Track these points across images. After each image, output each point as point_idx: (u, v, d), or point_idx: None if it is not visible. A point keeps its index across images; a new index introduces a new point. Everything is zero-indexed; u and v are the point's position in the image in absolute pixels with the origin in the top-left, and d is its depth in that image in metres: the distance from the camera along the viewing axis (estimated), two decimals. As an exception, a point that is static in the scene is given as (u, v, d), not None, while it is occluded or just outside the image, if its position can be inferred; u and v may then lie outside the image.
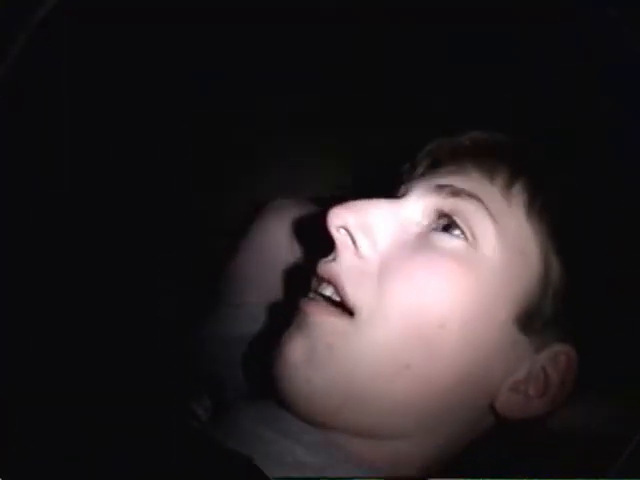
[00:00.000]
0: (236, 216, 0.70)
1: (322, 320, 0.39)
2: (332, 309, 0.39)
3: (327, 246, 0.41)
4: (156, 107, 0.86)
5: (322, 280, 0.40)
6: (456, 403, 0.39)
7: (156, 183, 0.82)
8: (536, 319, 0.39)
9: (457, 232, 0.39)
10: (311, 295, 0.41)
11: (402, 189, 0.42)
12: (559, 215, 0.39)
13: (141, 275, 0.71)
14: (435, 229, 0.40)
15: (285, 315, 0.42)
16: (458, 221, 0.39)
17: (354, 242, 0.39)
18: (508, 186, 0.39)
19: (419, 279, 0.38)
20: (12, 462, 0.39)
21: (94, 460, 0.37)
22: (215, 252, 0.68)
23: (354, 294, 0.38)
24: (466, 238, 0.38)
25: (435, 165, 0.42)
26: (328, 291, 0.40)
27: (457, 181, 0.40)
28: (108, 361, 0.50)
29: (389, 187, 0.44)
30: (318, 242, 0.42)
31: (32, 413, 0.41)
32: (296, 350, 0.39)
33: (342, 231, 0.40)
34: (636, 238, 0.41)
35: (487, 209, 0.38)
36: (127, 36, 0.89)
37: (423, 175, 0.42)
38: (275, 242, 0.55)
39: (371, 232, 0.39)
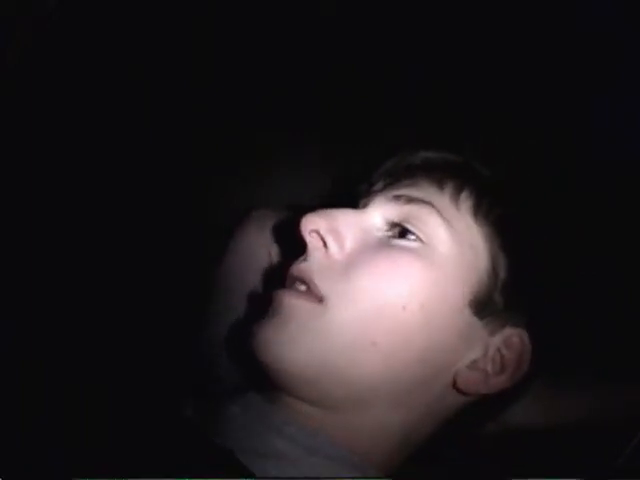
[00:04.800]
0: (229, 220, 0.73)
1: (294, 303, 0.44)
2: (304, 295, 0.44)
3: (300, 249, 0.46)
4: (156, 108, 0.87)
5: (295, 279, 0.45)
6: (420, 377, 0.44)
7: (154, 185, 0.83)
8: (487, 305, 0.44)
9: (412, 237, 0.44)
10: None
11: (362, 203, 0.47)
12: (501, 216, 0.45)
13: (135, 275, 0.74)
14: (393, 236, 0.45)
15: (262, 307, 0.46)
16: (411, 228, 0.44)
17: (325, 244, 0.44)
18: (456, 194, 0.45)
19: (382, 268, 0.43)
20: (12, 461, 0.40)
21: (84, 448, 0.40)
22: (206, 254, 0.71)
23: (323, 285, 0.43)
24: (420, 240, 0.44)
25: (392, 181, 0.47)
26: (301, 288, 0.45)
27: (412, 191, 0.46)
28: (99, 355, 0.53)
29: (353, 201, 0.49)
30: (292, 247, 0.47)
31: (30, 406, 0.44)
32: (269, 329, 0.43)
33: (314, 235, 0.45)
34: (570, 234, 0.49)
35: (438, 212, 0.44)
36: (126, 36, 0.89)
37: (381, 190, 0.47)
38: (255, 248, 0.60)
39: (339, 235, 0.45)
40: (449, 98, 0.94)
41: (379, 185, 0.48)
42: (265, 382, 0.46)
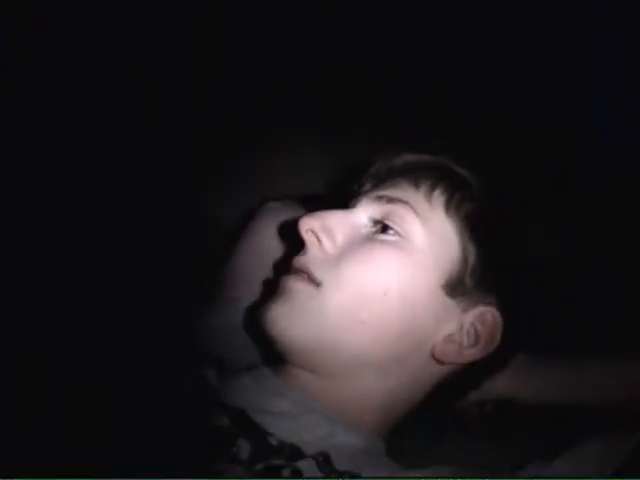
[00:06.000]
0: (234, 215, 0.80)
1: (296, 287, 0.52)
2: (304, 280, 0.52)
3: (300, 244, 0.54)
4: (157, 109, 0.86)
5: (297, 269, 0.53)
6: (402, 350, 0.52)
7: (159, 184, 0.83)
8: (459, 287, 0.52)
9: (392, 232, 0.52)
10: None
11: (352, 203, 0.56)
12: (470, 210, 0.53)
13: (150, 270, 0.77)
14: (377, 232, 0.53)
15: (272, 291, 0.55)
16: (391, 224, 0.52)
17: (319, 240, 0.53)
18: (430, 192, 0.53)
19: (366, 260, 0.52)
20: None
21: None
22: (214, 249, 0.77)
23: (319, 273, 0.52)
24: (399, 234, 0.52)
25: (376, 183, 0.56)
26: (302, 276, 0.53)
27: (391, 192, 0.54)
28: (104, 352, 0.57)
29: (347, 197, 0.57)
30: (295, 241, 0.55)
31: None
32: (277, 310, 0.52)
33: (310, 233, 0.53)
34: (530, 225, 0.57)
35: (413, 209, 0.52)
36: (124, 35, 0.88)
37: (368, 191, 0.55)
38: (265, 242, 0.69)
39: (331, 232, 0.53)
40: (448, 98, 0.95)
41: (367, 186, 0.56)
42: (273, 355, 0.54)
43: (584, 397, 0.61)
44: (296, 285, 0.52)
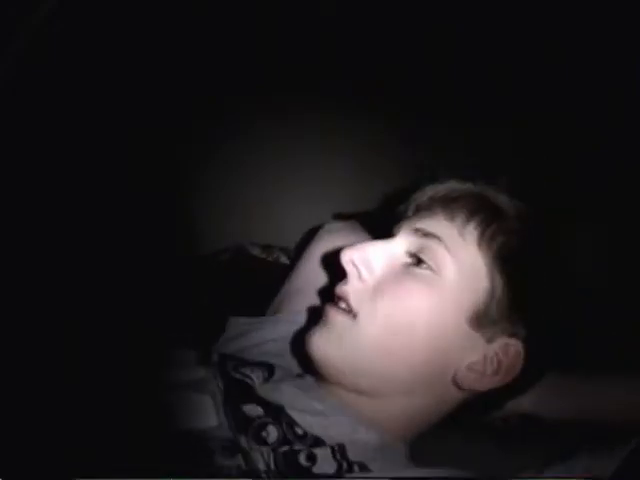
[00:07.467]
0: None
1: (336, 319, 0.58)
2: (343, 312, 0.58)
3: (344, 272, 0.60)
4: (157, 111, 0.86)
5: (338, 297, 0.59)
6: (426, 376, 0.56)
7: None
8: (485, 318, 0.55)
9: (425, 266, 0.56)
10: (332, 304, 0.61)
11: (395, 228, 0.60)
12: (501, 244, 0.55)
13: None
14: (412, 264, 0.57)
15: (315, 317, 0.61)
16: (425, 258, 0.56)
17: (358, 271, 0.58)
18: (464, 226, 0.56)
19: (398, 295, 0.56)
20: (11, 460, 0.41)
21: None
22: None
23: (356, 304, 0.57)
24: (431, 269, 0.56)
25: (418, 208, 0.60)
26: (342, 304, 0.59)
27: (427, 224, 0.57)
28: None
29: (393, 221, 0.62)
30: (340, 269, 0.60)
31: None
32: (319, 337, 0.58)
33: (350, 264, 0.58)
34: (560, 262, 0.58)
35: (446, 245, 0.55)
36: (122, 34, 0.88)
37: (409, 217, 0.60)
38: (318, 265, 0.78)
39: (370, 264, 0.58)
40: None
41: (409, 212, 0.60)
42: (314, 370, 0.61)
43: (608, 415, 0.64)
44: (336, 316, 0.58)
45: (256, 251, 1.05)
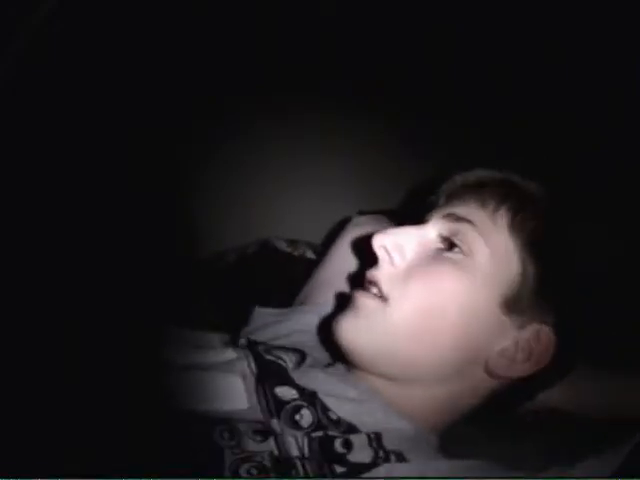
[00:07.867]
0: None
1: (366, 302, 0.57)
2: (374, 297, 0.57)
3: (374, 259, 0.59)
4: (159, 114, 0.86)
5: (369, 282, 0.58)
6: (457, 361, 0.56)
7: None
8: (516, 304, 0.54)
9: (457, 249, 0.56)
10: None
11: (427, 216, 0.60)
12: (532, 229, 0.55)
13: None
14: (444, 249, 0.57)
15: (343, 305, 0.60)
16: (457, 242, 0.56)
17: (390, 256, 0.57)
18: (495, 211, 0.56)
19: (430, 278, 0.56)
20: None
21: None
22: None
23: (387, 288, 0.57)
24: (464, 252, 0.55)
25: (449, 197, 0.60)
26: (373, 289, 0.58)
27: (459, 210, 0.57)
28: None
29: (424, 211, 0.62)
30: (371, 255, 0.59)
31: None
32: (348, 323, 0.58)
33: (382, 249, 0.58)
34: (594, 246, 0.59)
35: (478, 229, 0.55)
36: (122, 34, 0.88)
37: (440, 205, 0.60)
38: (347, 256, 0.77)
39: (402, 249, 0.57)
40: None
41: (441, 201, 0.60)
42: (344, 359, 0.61)
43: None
44: (366, 301, 0.57)
45: (282, 245, 1.04)
